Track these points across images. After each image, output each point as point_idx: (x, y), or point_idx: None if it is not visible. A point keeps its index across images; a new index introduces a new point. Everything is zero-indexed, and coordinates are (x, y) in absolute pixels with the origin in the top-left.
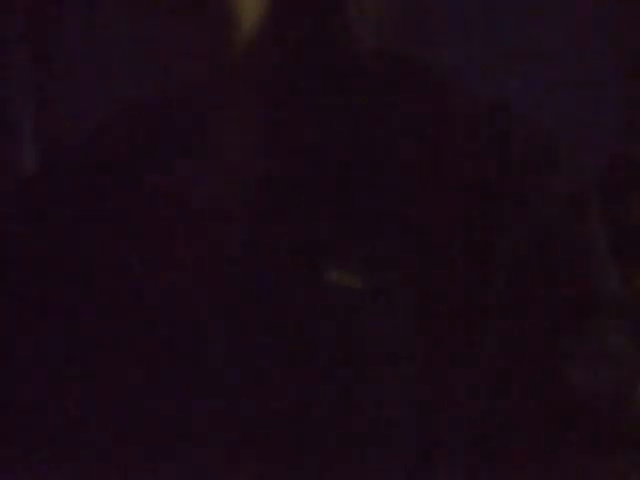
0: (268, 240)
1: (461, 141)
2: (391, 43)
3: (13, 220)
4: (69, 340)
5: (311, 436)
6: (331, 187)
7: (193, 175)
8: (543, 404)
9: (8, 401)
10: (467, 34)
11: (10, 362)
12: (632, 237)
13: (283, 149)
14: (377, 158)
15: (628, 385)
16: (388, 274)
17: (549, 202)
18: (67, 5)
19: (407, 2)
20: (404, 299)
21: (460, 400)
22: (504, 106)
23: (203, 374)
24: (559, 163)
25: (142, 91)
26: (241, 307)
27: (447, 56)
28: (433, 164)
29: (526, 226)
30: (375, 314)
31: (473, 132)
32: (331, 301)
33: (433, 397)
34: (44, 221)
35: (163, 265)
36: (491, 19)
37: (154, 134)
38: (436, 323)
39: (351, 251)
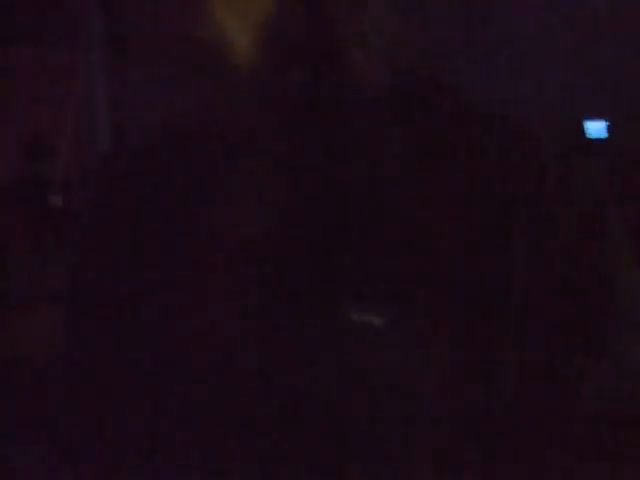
0: (288, 277)
1: (477, 151)
2: (408, 73)
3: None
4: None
5: (326, 465)
6: (350, 224)
7: (220, 211)
8: (556, 418)
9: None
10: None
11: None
12: None
13: (302, 187)
14: (395, 193)
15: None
16: (405, 308)
17: (565, 209)
18: None
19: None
20: (422, 332)
21: (476, 416)
22: (522, 121)
23: (227, 405)
24: (574, 171)
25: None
26: (263, 343)
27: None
28: (449, 189)
29: (543, 235)
30: (393, 348)
31: (487, 150)
32: (350, 338)
33: (449, 417)
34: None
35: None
36: None
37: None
38: (452, 345)
39: (369, 288)
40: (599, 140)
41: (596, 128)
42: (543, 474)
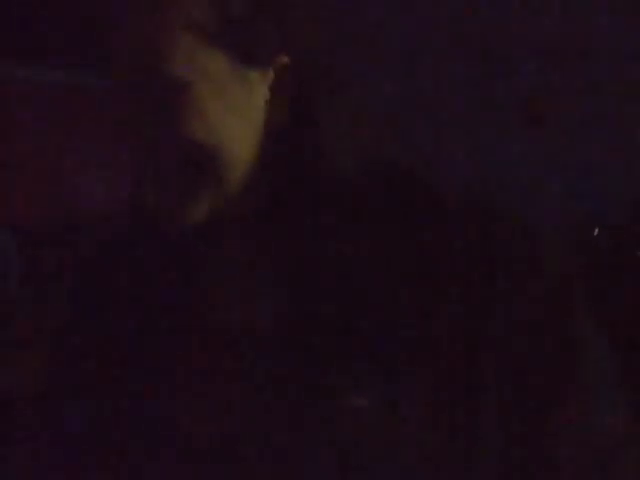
0: (284, 367)
1: (448, 243)
2: (377, 154)
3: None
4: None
5: None
6: (338, 307)
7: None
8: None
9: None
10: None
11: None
12: None
13: (291, 279)
14: (377, 276)
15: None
16: (399, 390)
17: (532, 299)
18: None
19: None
20: (415, 412)
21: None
22: (490, 203)
23: None
24: (543, 262)
25: None
26: (264, 428)
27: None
28: (427, 275)
29: (510, 324)
30: (389, 428)
31: (459, 234)
32: (347, 422)
33: None
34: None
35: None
36: None
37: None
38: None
39: (363, 370)
40: None
41: None
42: None
